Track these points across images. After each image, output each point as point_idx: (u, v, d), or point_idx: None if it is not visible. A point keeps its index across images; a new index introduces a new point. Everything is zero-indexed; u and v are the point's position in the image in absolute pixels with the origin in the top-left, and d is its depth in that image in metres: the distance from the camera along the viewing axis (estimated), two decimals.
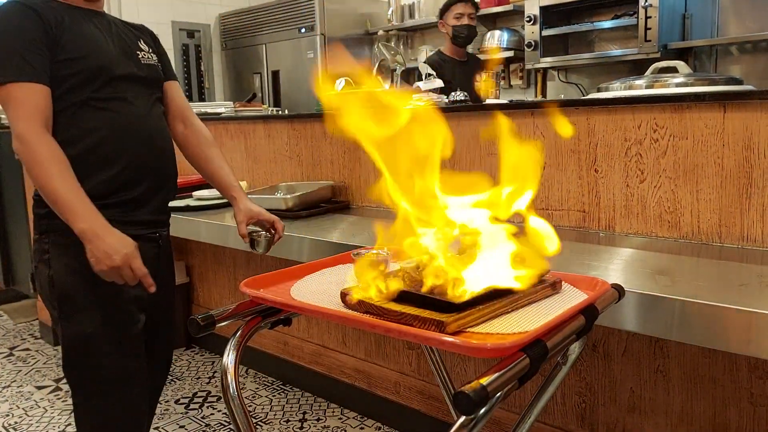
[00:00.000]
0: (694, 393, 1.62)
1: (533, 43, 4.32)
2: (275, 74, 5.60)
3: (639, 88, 1.80)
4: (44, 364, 3.13)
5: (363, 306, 0.93)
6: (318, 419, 2.49)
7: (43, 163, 1.35)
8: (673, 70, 1.95)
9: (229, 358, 1.02)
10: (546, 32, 4.28)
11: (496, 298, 0.92)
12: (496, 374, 0.73)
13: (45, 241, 1.48)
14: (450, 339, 0.79)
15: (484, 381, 0.71)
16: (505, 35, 4.72)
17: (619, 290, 1.06)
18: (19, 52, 1.38)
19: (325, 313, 0.96)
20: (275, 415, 2.54)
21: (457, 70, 3.56)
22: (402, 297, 0.91)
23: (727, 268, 1.42)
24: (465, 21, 3.46)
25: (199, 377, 2.94)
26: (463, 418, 0.74)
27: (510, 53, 4.66)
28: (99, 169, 1.47)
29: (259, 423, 2.47)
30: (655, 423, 1.70)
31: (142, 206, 1.54)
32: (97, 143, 1.46)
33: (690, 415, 1.63)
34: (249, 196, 1.71)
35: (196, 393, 2.76)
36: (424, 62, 2.75)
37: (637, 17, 3.74)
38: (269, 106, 4.96)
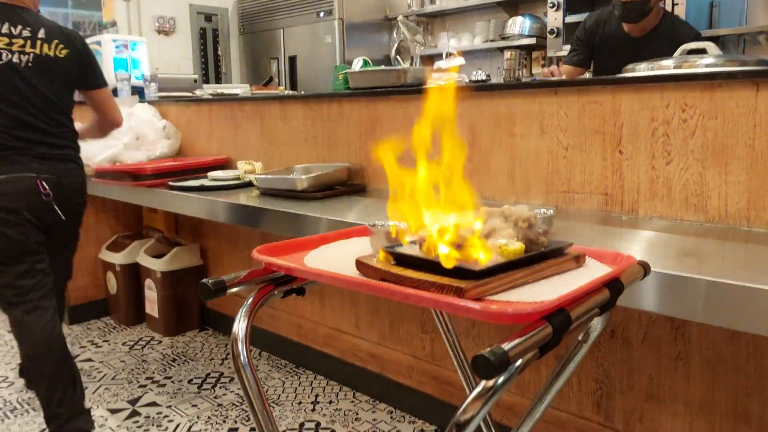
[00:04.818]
0: (715, 381, 1.57)
1: (556, 30, 4.26)
2: (292, 59, 5.57)
3: (667, 68, 1.74)
4: None
5: (379, 273, 0.90)
6: (330, 402, 2.47)
7: None
8: (702, 51, 1.89)
9: (240, 325, 1.00)
10: (569, 19, 4.21)
11: (516, 268, 0.88)
12: (518, 339, 0.69)
13: None
14: (469, 304, 0.75)
15: (506, 345, 0.68)
16: (528, 22, 4.66)
17: (645, 266, 1.01)
18: None
19: (341, 279, 0.93)
20: (287, 397, 2.53)
21: (625, 45, 2.94)
22: (418, 264, 0.88)
23: (756, 251, 1.37)
24: None
25: (212, 359, 2.93)
26: (481, 386, 0.71)
27: (532, 40, 4.60)
28: None
29: (272, 404, 2.46)
30: (674, 411, 1.66)
31: None
32: None
33: (710, 403, 1.59)
34: (264, 176, 1.64)
35: (209, 374, 2.76)
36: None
37: (664, 4, 3.66)
38: (285, 88, 4.94)
